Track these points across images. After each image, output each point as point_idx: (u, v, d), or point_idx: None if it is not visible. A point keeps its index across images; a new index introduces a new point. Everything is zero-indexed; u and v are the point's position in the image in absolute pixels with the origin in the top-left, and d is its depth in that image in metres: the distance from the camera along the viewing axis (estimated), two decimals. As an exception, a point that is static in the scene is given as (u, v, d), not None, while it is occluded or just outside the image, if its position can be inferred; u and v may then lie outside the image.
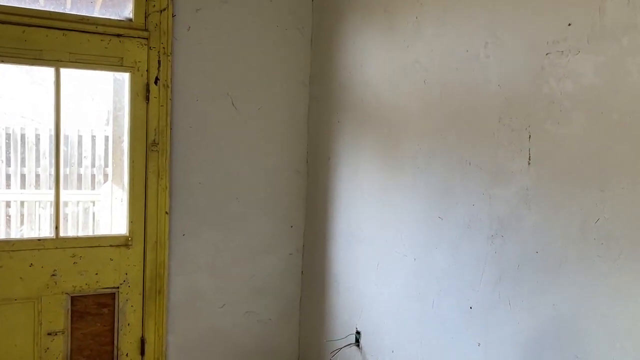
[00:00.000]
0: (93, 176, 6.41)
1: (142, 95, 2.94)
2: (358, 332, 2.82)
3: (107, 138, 6.32)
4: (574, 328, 1.67)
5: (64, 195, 5.48)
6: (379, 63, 2.67)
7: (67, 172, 6.00)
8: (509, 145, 1.90)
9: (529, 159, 1.81)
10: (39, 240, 2.84)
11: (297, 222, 3.41)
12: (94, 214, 6.07)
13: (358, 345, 2.81)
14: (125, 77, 2.96)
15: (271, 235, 3.34)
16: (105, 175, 6.35)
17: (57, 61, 2.76)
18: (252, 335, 3.32)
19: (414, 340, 2.40)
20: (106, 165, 6.38)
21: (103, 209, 5.82)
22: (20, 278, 2.78)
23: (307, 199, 3.40)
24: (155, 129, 2.97)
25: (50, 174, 5.81)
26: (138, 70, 2.92)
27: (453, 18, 2.16)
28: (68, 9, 2.81)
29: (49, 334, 2.87)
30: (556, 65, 1.72)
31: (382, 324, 2.64)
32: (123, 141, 6.15)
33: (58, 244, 2.84)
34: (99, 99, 6.10)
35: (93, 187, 6.34)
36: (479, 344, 2.02)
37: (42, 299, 2.84)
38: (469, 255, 2.07)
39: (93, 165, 6.42)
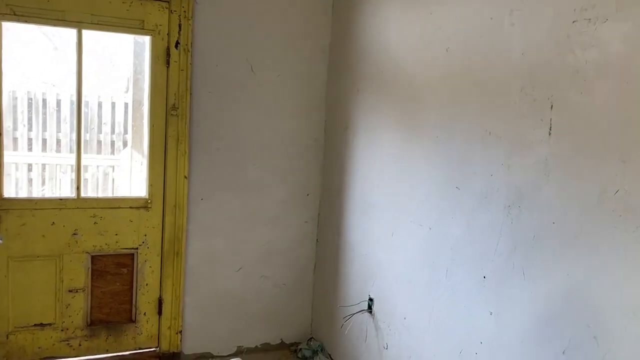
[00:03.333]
0: (112, 142, 6.48)
1: (162, 59, 2.95)
2: (371, 299, 2.86)
3: (126, 105, 6.36)
4: (588, 298, 1.67)
5: (84, 159, 5.58)
6: (401, 30, 2.64)
7: (87, 138, 6.08)
8: (530, 115, 1.88)
9: (550, 129, 1.80)
10: (61, 200, 2.90)
11: (313, 191, 3.43)
12: (113, 179, 6.16)
13: (370, 312, 2.86)
14: (146, 40, 2.96)
15: (287, 203, 3.37)
16: (125, 142, 6.42)
17: (79, 22, 2.77)
18: (266, 299, 3.39)
19: (425, 307, 2.43)
20: (125, 132, 6.44)
21: (122, 173, 5.90)
22: (43, 236, 2.86)
23: (323, 168, 3.41)
24: (175, 93, 2.99)
25: (71, 139, 5.89)
26: (159, 33, 2.93)
27: (478, -16, 2.12)
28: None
29: (69, 291, 2.95)
30: (582, 34, 1.68)
31: (395, 291, 2.67)
32: (143, 106, 6.20)
33: (79, 204, 2.90)
34: (118, 65, 6.12)
35: (112, 153, 6.42)
36: (491, 313, 2.04)
37: (64, 257, 2.91)
38: (485, 225, 2.07)
39: (113, 132, 6.49)
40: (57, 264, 2.91)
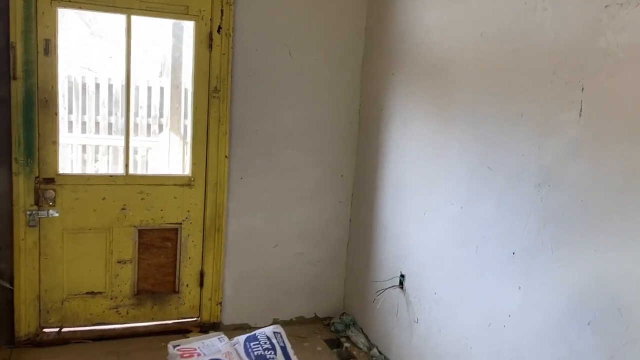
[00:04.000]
0: (149, 125, 6.70)
1: (205, 43, 3.09)
2: (402, 275, 2.98)
3: (162, 89, 6.55)
4: (614, 273, 1.75)
5: (121, 140, 5.80)
6: (436, 14, 2.72)
7: (112, 120, 6.27)
8: (562, 97, 1.95)
9: (581, 111, 1.87)
10: (111, 176, 3.09)
11: (347, 172, 3.55)
12: (147, 160, 6.36)
13: (402, 287, 2.97)
14: (190, 25, 3.10)
15: (322, 183, 3.50)
16: (160, 126, 6.62)
17: (129, 8, 2.93)
18: (300, 275, 3.54)
19: (456, 283, 2.53)
20: (161, 116, 6.63)
21: (159, 154, 6.11)
22: (94, 210, 3.05)
23: (357, 149, 3.52)
24: (217, 76, 3.13)
25: (109, 122, 6.11)
26: (202, 19, 3.07)
27: (513, -30, 2.18)
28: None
29: (118, 262, 3.16)
30: (614, 18, 1.74)
31: (426, 267, 2.78)
32: (180, 90, 6.40)
33: (128, 181, 3.09)
34: (155, 51, 6.29)
35: (148, 135, 6.63)
36: (520, 287, 2.14)
37: (113, 230, 3.11)
38: (515, 204, 2.16)
39: (149, 115, 6.69)
40: (107, 236, 3.11)
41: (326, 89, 3.40)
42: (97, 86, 6.41)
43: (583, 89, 1.86)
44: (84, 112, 6.34)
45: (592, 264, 1.82)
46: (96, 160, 5.93)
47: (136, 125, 6.61)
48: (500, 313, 2.24)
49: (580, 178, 1.87)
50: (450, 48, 2.60)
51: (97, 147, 6.20)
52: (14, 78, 2.78)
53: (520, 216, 2.13)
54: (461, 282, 2.50)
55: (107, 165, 6.12)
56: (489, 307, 2.31)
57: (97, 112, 6.43)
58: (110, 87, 6.27)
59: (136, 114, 6.60)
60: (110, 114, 6.31)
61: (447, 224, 2.61)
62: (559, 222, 1.96)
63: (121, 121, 5.97)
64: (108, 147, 6.19)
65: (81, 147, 6.17)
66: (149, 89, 6.58)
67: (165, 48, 5.74)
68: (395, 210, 3.08)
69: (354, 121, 3.49)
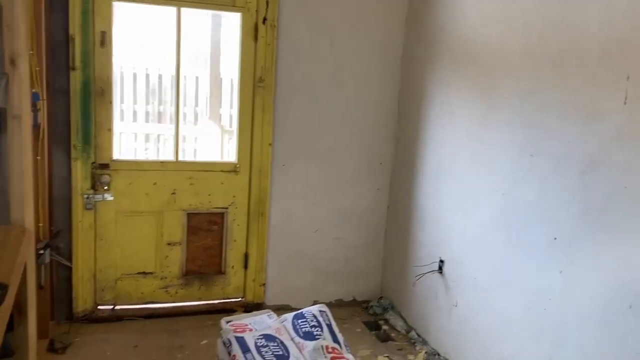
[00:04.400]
0: (194, 114, 6.87)
1: (251, 34, 3.20)
2: (442, 261, 3.05)
3: (196, 79, 6.69)
4: (656, 257, 1.80)
5: (165, 129, 5.98)
6: (477, 5, 2.75)
7: (161, 109, 6.45)
8: (606, 85, 1.98)
9: (625, 99, 1.90)
10: (162, 162, 3.24)
11: (386, 159, 3.62)
12: (193, 149, 6.53)
13: (441, 272, 3.05)
14: (230, 17, 3.21)
15: (361, 171, 3.59)
16: (196, 115, 6.77)
17: (179, 1, 3.05)
18: (339, 259, 3.65)
19: (496, 268, 2.60)
20: (196, 105, 6.78)
21: (200, 143, 6.27)
22: (146, 194, 3.21)
23: (397, 137, 3.59)
24: (262, 67, 3.24)
25: (159, 111, 6.29)
26: (248, 10, 3.17)
27: (559, -40, 2.21)
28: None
29: (168, 244, 3.32)
30: (662, 7, 1.77)
31: (466, 253, 2.84)
32: (219, 80, 6.53)
33: (177, 167, 3.24)
34: (197, 42, 6.44)
35: (194, 124, 6.79)
36: (561, 272, 2.19)
37: (164, 213, 3.27)
38: (558, 190, 2.21)
39: (196, 105, 6.85)
40: (157, 219, 3.27)
41: (367, 77, 3.47)
42: (147, 76, 6.59)
43: (628, 77, 1.90)
44: (134, 102, 6.54)
45: (635, 249, 1.87)
46: (146, 149, 6.14)
47: (185, 115, 6.77)
48: (541, 297, 2.30)
49: (624, 165, 1.91)
50: (493, 38, 2.64)
51: (147, 135, 6.40)
52: (73, 69, 2.94)
53: (563, 202, 2.18)
54: (501, 267, 2.56)
55: (157, 153, 6.32)
56: (529, 291, 2.37)
57: (147, 102, 6.63)
58: (159, 77, 6.44)
59: (187, 104, 6.77)
60: (150, 103, 6.49)
61: (487, 210, 2.67)
62: (602, 208, 2.00)
63: (170, 110, 6.15)
64: (158, 135, 6.37)
65: (133, 136, 6.38)
66: (194, 78, 6.74)
67: (205, 40, 5.87)
68: (434, 197, 3.15)
69: (394, 110, 3.56)
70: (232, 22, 3.34)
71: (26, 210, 2.41)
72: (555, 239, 2.23)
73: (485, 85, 2.70)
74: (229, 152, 5.79)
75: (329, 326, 2.32)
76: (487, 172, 2.68)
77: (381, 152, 3.60)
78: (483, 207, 2.71)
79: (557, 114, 2.22)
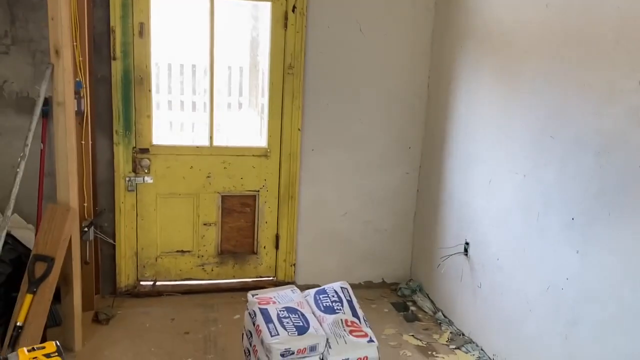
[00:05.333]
0: (229, 104, 7.06)
1: (281, 22, 3.31)
2: (467, 243, 3.10)
3: (241, 69, 6.86)
4: (669, 236, 1.81)
5: (204, 116, 6.17)
6: (503, -12, 2.76)
7: (206, 97, 6.66)
8: (623, 66, 1.98)
9: (641, 79, 1.90)
10: (197, 147, 3.41)
11: (415, 144, 3.67)
12: (227, 136, 6.71)
13: (466, 254, 3.09)
14: (266, 6, 3.32)
15: (390, 155, 3.65)
16: (239, 104, 6.95)
17: (212, -8, 3.19)
18: (368, 241, 3.73)
19: (517, 248, 2.63)
20: (240, 95, 6.96)
21: (239, 130, 6.46)
22: (183, 177, 3.39)
23: (425, 122, 3.63)
24: (291, 54, 3.34)
25: (192, 101, 6.52)
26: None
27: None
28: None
29: (204, 224, 3.49)
30: (677, -15, 1.76)
31: (490, 235, 2.88)
32: (258, 68, 6.68)
33: (212, 152, 3.40)
34: (236, 33, 6.60)
35: (229, 111, 6.98)
36: (578, 251, 2.21)
37: (200, 195, 3.44)
38: (575, 171, 2.23)
39: (229, 94, 7.04)
40: (194, 201, 3.44)
41: (396, 63, 3.52)
42: (182, 67, 6.83)
43: (645, 57, 1.90)
44: (169, 92, 6.79)
45: (648, 228, 1.88)
46: (182, 134, 6.39)
47: (218, 103, 6.98)
48: (558, 276, 2.32)
49: (639, 145, 1.92)
50: (517, 19, 2.65)
51: (182, 124, 6.64)
52: (114, 59, 3.13)
53: (580, 183, 2.20)
54: (522, 248, 2.59)
55: (192, 140, 6.55)
56: (548, 270, 2.40)
57: (182, 92, 6.87)
58: (193, 67, 6.65)
59: (219, 92, 6.97)
60: (194, 92, 6.71)
61: (510, 193, 2.70)
62: (618, 187, 2.02)
63: (205, 98, 6.37)
64: (193, 124, 6.60)
65: (169, 123, 6.63)
66: (231, 68, 6.93)
67: (245, 30, 6.01)
68: (461, 181, 3.19)
69: (422, 94, 3.60)
70: (267, 10, 3.44)
71: (71, 190, 2.62)
72: (572, 219, 2.25)
73: (510, 68, 2.72)
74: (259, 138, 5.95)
75: (350, 302, 2.42)
76: (509, 155, 2.71)
77: (410, 136, 3.65)
78: (505, 189, 2.74)
79: (576, 95, 2.23)
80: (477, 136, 3.02)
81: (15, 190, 2.41)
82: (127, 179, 3.29)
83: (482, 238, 2.96)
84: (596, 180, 2.12)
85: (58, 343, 1.58)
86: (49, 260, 2.46)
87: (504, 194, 2.76)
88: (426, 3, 3.48)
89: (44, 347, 1.55)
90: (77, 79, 2.77)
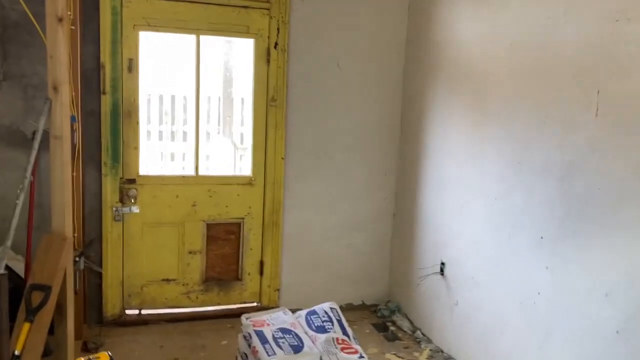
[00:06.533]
0: (207, 133, 7.18)
1: (263, 58, 3.49)
2: (443, 263, 3.29)
3: (208, 98, 7.00)
4: (630, 248, 2.03)
5: (187, 146, 6.25)
6: (470, 28, 3.03)
7: (174, 129, 6.76)
8: (580, 100, 2.23)
9: (597, 111, 2.15)
10: (183, 177, 3.53)
11: (391, 171, 3.88)
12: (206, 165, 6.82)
13: (442, 274, 3.28)
14: (250, 42, 3.50)
15: (368, 182, 3.85)
16: (207, 133, 7.05)
17: (198, 29, 3.36)
18: (350, 263, 3.89)
19: (490, 267, 2.83)
20: (218, 124, 7.06)
21: (216, 158, 6.57)
22: (169, 206, 3.49)
23: (400, 150, 3.85)
24: (274, 87, 3.53)
25: (172, 131, 6.61)
26: (261, 36, 3.47)
27: (538, -11, 2.48)
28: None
29: (189, 252, 3.58)
30: (624, 31, 2.03)
31: (465, 254, 3.08)
32: (232, 100, 6.84)
33: (198, 181, 3.52)
34: (211, 65, 6.77)
35: (207, 140, 7.09)
36: (547, 267, 2.42)
37: (185, 224, 3.54)
38: (542, 195, 2.45)
39: (208, 122, 7.14)
40: (179, 230, 3.54)
41: (371, 95, 3.75)
42: (160, 98, 6.91)
43: (599, 92, 2.15)
44: (148, 122, 6.86)
45: (608, 243, 2.10)
46: (172, 160, 6.47)
47: (203, 133, 7.03)
48: (530, 291, 2.53)
49: (597, 170, 2.16)
50: (484, 57, 2.91)
51: (169, 153, 6.70)
52: (103, 93, 3.24)
53: (547, 205, 2.43)
54: (496, 266, 2.79)
55: (178, 168, 6.61)
56: (520, 286, 2.60)
57: (161, 122, 6.94)
58: (172, 98, 6.76)
59: (203, 121, 7.02)
60: (171, 122, 6.79)
61: (482, 214, 2.92)
62: (580, 208, 2.24)
63: (187, 129, 6.47)
64: (176, 152, 6.66)
65: (156, 153, 6.68)
66: (207, 99, 7.05)
67: (218, 62, 6.21)
68: (436, 204, 3.40)
69: (396, 124, 3.83)
70: (243, 45, 3.63)
71: (66, 220, 2.69)
72: (541, 238, 2.47)
73: (478, 100, 2.97)
74: (241, 167, 6.08)
75: (339, 321, 2.56)
76: (481, 179, 2.93)
77: (386, 163, 3.86)
78: (478, 212, 2.95)
79: (539, 127, 2.47)
80: (449, 162, 3.25)
81: (14, 222, 2.47)
82: (115, 209, 3.36)
83: (457, 258, 3.16)
84: (561, 202, 2.34)
85: (110, 353, 1.71)
86: (47, 289, 2.51)
87: (476, 216, 2.97)
88: (398, 40, 3.73)
89: (98, 358, 1.68)
90: (71, 114, 2.86)
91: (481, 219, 2.93)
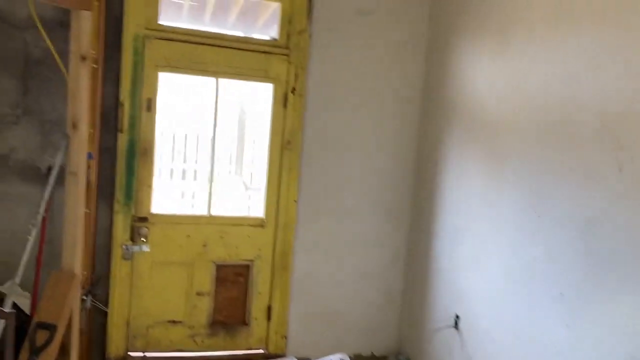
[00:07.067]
0: (218, 172, 7.20)
1: (281, 102, 3.52)
2: (457, 317, 3.19)
3: (221, 138, 7.04)
4: (653, 312, 1.96)
5: (198, 185, 6.28)
6: (488, 80, 3.04)
7: (185, 167, 6.80)
8: (603, 155, 2.20)
9: (621, 167, 2.12)
10: (195, 216, 3.50)
11: (404, 219, 3.84)
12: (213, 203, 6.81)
13: (457, 328, 3.18)
14: (269, 87, 3.53)
15: (380, 229, 3.80)
16: (229, 172, 7.08)
17: (217, 72, 3.40)
18: (359, 312, 3.80)
19: (507, 322, 2.74)
20: (230, 163, 7.08)
21: (226, 198, 6.58)
22: (180, 246, 3.45)
23: (413, 199, 3.81)
24: (289, 131, 3.54)
25: (183, 169, 6.64)
26: (279, 81, 3.50)
27: (561, 43, 2.50)
28: (228, 30, 3.45)
29: (197, 294, 3.52)
30: (647, 88, 2.02)
31: (480, 309, 2.99)
32: (244, 142, 6.91)
33: (210, 221, 3.49)
34: (226, 108, 6.88)
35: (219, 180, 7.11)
36: (567, 326, 2.34)
37: (195, 264, 3.49)
38: (562, 248, 2.39)
39: (232, 163, 7.16)
40: (188, 270, 3.48)
41: (385, 142, 3.75)
42: (173, 137, 6.97)
43: (623, 147, 2.12)
44: (172, 159, 6.90)
45: (632, 302, 2.03)
46: (182, 198, 6.46)
47: (201, 170, 7.10)
48: (549, 351, 2.43)
49: (621, 226, 2.10)
50: (501, 110, 2.90)
51: (182, 191, 6.72)
52: (120, 131, 3.26)
53: (567, 259, 2.36)
54: (513, 322, 2.71)
55: (190, 207, 6.61)
56: (538, 345, 2.50)
57: (172, 159, 6.98)
58: (185, 137, 6.83)
59: (218, 161, 7.06)
60: (186, 161, 6.84)
61: (498, 267, 2.85)
62: (603, 264, 2.18)
63: (202, 168, 6.49)
64: (189, 191, 6.66)
65: (170, 191, 6.70)
66: (222, 139, 7.10)
67: (234, 104, 6.31)
68: (449, 255, 3.33)
69: (410, 172, 3.81)
70: (258, 89, 3.68)
71: (76, 257, 2.66)
72: (561, 294, 2.39)
73: (494, 150, 2.94)
74: (249, 207, 6.07)
75: (350, 373, 2.47)
76: (498, 231, 2.88)
77: (399, 211, 3.82)
78: (495, 264, 2.89)
79: (560, 180, 2.43)
80: (464, 212, 3.20)
81: (25, 258, 2.44)
82: (125, 247, 3.33)
83: (472, 312, 3.07)
84: (582, 258, 2.28)
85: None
86: (52, 329, 2.45)
87: (492, 268, 2.91)
88: (414, 88, 3.75)
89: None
90: (88, 151, 2.87)
91: (498, 272, 2.86)
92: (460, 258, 3.22)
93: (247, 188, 6.50)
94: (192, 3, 3.63)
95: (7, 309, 2.30)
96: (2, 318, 2.10)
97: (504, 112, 2.88)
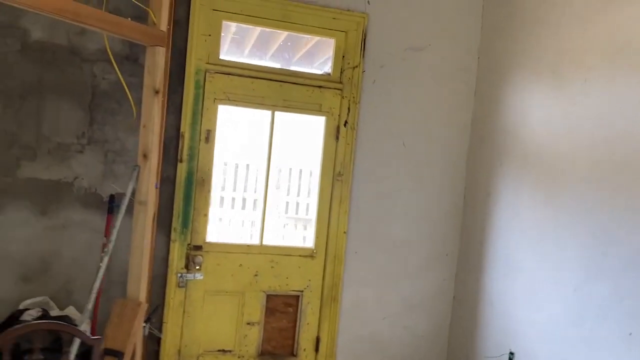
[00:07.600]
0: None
1: (333, 135, 3.59)
2: (512, 353, 3.16)
3: (289, 171, 7.08)
4: None
5: (251, 214, 6.35)
6: (543, 115, 3.07)
7: (234, 196, 6.88)
8: (674, 194, 2.21)
9: (694, 207, 2.12)
10: (248, 246, 3.55)
11: (452, 251, 3.84)
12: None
13: (511, 364, 3.15)
14: (321, 120, 3.61)
15: (428, 260, 3.80)
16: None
17: (274, 106, 3.49)
18: (406, 346, 3.78)
19: (569, 361, 2.71)
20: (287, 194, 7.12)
21: (276, 227, 6.62)
22: (232, 275, 3.49)
23: (462, 230, 3.82)
24: (341, 163, 3.59)
25: (232, 197, 6.70)
26: (332, 114, 3.58)
27: (620, 77, 2.53)
28: (286, 65, 3.56)
29: (247, 323, 3.54)
30: None
31: (537, 347, 2.96)
32: (300, 171, 6.94)
33: (261, 250, 3.53)
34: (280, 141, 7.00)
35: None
36: (638, 366, 2.31)
37: (245, 294, 3.52)
38: (631, 287, 2.38)
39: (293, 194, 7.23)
40: (239, 299, 3.52)
41: (434, 173, 3.78)
42: (236, 166, 7.06)
43: (695, 188, 2.13)
44: (222, 189, 6.99)
45: None
46: (242, 226, 6.54)
47: (255, 200, 7.16)
48: (618, 391, 2.40)
49: (697, 267, 2.10)
50: (559, 144, 2.93)
51: (220, 219, 6.79)
52: (180, 161, 3.35)
53: (637, 299, 2.35)
54: (575, 360, 2.68)
55: (242, 236, 6.66)
56: (605, 385, 2.47)
57: (234, 189, 7.03)
58: (247, 167, 6.91)
59: (256, 190, 7.15)
60: (244, 190, 6.91)
61: (558, 304, 2.83)
62: (676, 306, 2.16)
63: (248, 196, 6.55)
64: (242, 221, 6.71)
65: (219, 220, 6.78)
66: (278, 169, 7.17)
67: (288, 136, 6.39)
68: (502, 289, 3.31)
69: (459, 203, 3.83)
70: (312, 121, 3.76)
71: (142, 286, 2.72)
72: (630, 334, 2.37)
73: (550, 184, 2.96)
74: (304, 238, 6.11)
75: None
76: (556, 268, 2.86)
77: (448, 243, 3.83)
78: (554, 302, 2.87)
79: (627, 217, 2.43)
80: (518, 246, 3.20)
81: (97, 285, 2.50)
82: (179, 275, 3.38)
83: (529, 349, 3.04)
84: (654, 297, 2.27)
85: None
86: (120, 356, 2.50)
87: (551, 305, 2.89)
88: (464, 120, 3.80)
89: None
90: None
91: (557, 308, 2.84)
92: (514, 292, 3.20)
93: (298, 219, 6.47)
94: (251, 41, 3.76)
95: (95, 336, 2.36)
96: (89, 344, 2.15)
97: (562, 149, 2.90)
